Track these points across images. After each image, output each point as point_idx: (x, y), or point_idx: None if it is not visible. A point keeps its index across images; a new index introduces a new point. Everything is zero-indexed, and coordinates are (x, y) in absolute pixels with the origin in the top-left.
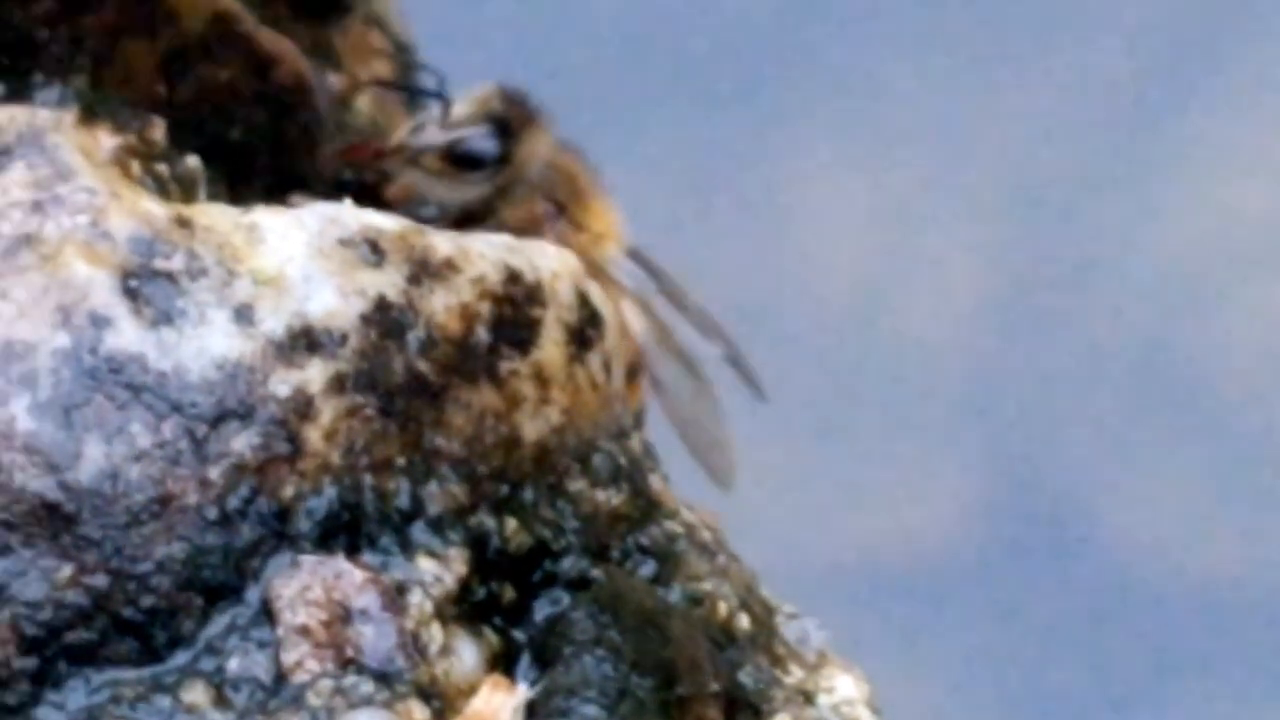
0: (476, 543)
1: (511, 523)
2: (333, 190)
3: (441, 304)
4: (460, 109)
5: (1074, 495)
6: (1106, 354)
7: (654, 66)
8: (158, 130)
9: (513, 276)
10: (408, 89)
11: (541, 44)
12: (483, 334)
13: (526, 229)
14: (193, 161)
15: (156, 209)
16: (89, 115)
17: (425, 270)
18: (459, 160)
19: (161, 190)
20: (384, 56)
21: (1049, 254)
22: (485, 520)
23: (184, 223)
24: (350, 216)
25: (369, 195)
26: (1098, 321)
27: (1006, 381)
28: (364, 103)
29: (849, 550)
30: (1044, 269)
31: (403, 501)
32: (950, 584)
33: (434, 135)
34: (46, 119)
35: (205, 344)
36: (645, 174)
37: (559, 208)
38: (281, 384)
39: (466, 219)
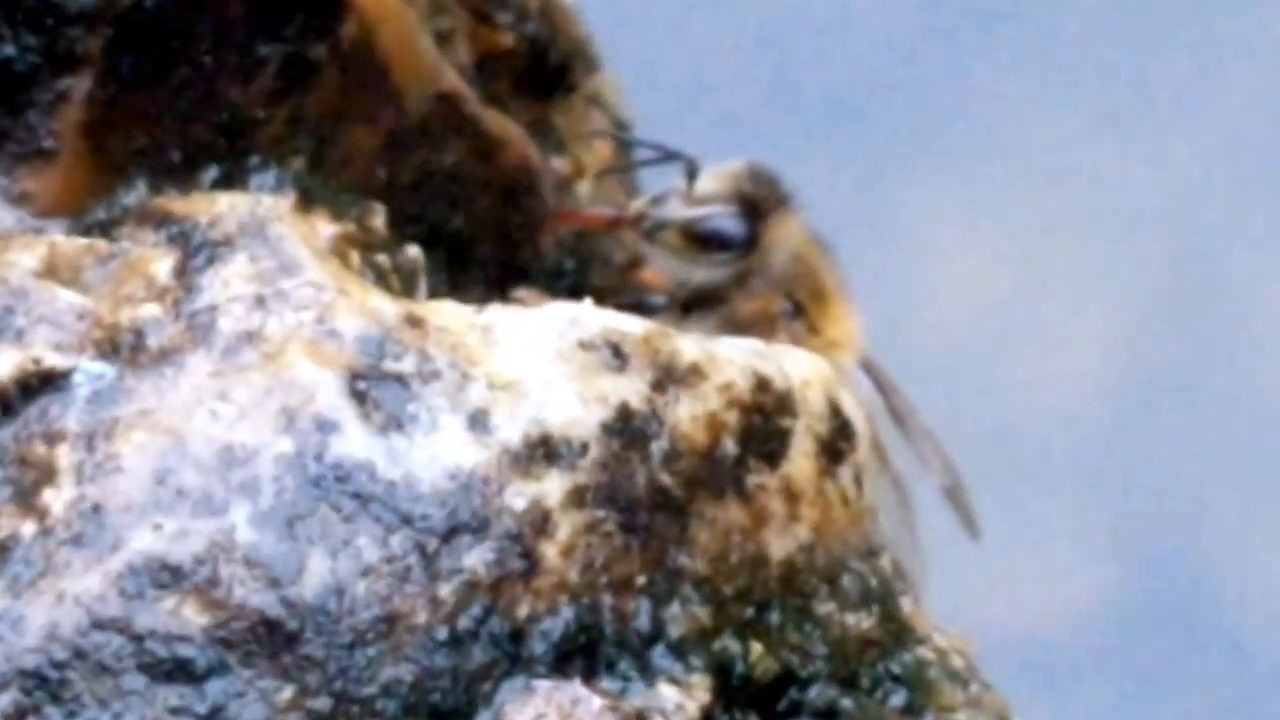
0: (720, 668)
1: (757, 647)
2: (552, 278)
3: (687, 413)
4: (707, 185)
5: (1209, 568)
6: (1244, 419)
7: (775, 108)
8: (378, 218)
9: (762, 384)
10: (652, 150)
11: (664, 86)
12: (730, 445)
13: (759, 325)
14: (413, 252)
15: (387, 306)
16: (307, 201)
17: (670, 376)
18: (701, 239)
19: (382, 282)
20: (605, 137)
21: (1185, 311)
22: (730, 644)
23: (416, 322)
24: (591, 317)
25: (585, 283)
26: (1234, 386)
27: (1138, 448)
28: (585, 188)
29: (977, 627)
30: (1179, 327)
31: (643, 623)
32: (1084, 660)
33: (677, 209)
34: (270, 208)
35: (438, 452)
36: None
37: (797, 307)
38: (518, 496)
39: (695, 303)
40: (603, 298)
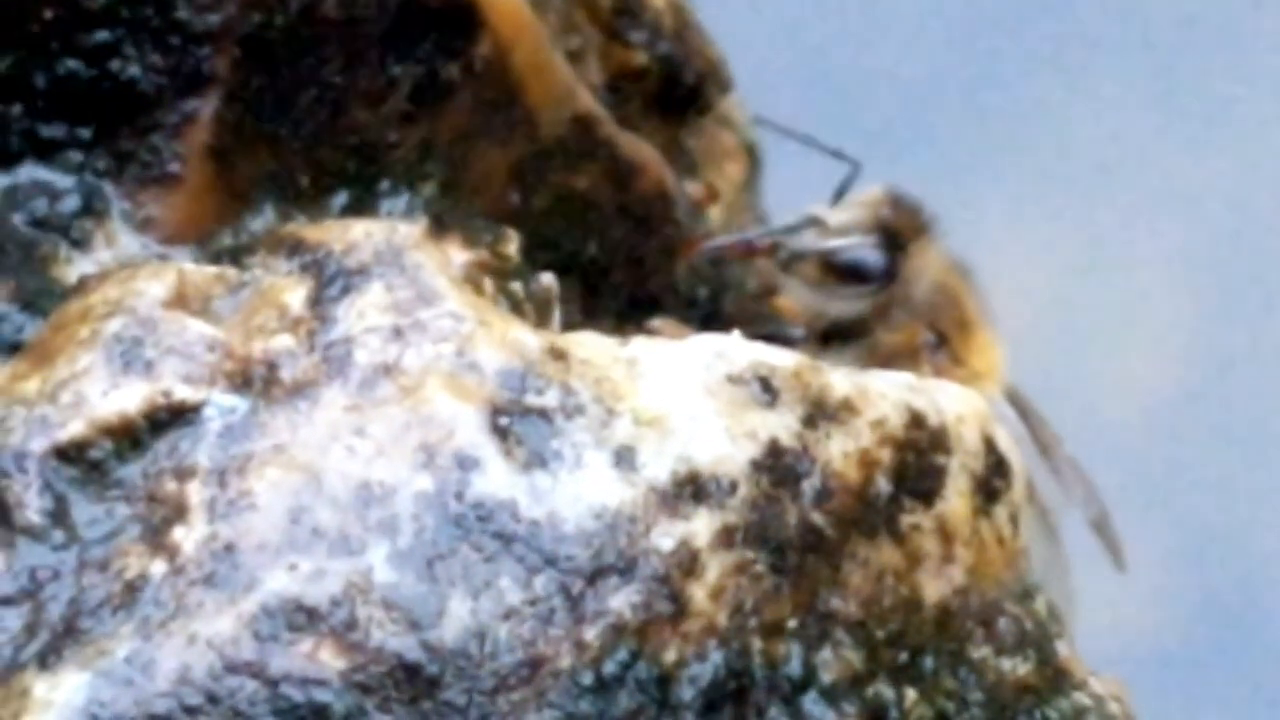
0: (874, 715)
1: (911, 693)
2: (686, 307)
3: (839, 449)
4: (844, 214)
5: (1270, 585)
6: None
7: (832, 118)
8: (511, 244)
9: (916, 419)
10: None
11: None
12: (883, 483)
13: (901, 357)
14: (547, 279)
15: (528, 338)
16: (439, 227)
17: (822, 412)
18: (841, 270)
19: (516, 311)
20: (736, 158)
21: (1250, 324)
22: (883, 690)
23: (559, 354)
24: (739, 350)
25: (719, 312)
26: None
27: (1201, 466)
28: (716, 213)
29: None
30: (1244, 339)
31: (794, 668)
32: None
33: (814, 239)
34: (407, 235)
35: (582, 490)
36: None
37: (940, 338)
38: (665, 536)
39: (834, 336)
40: (737, 327)
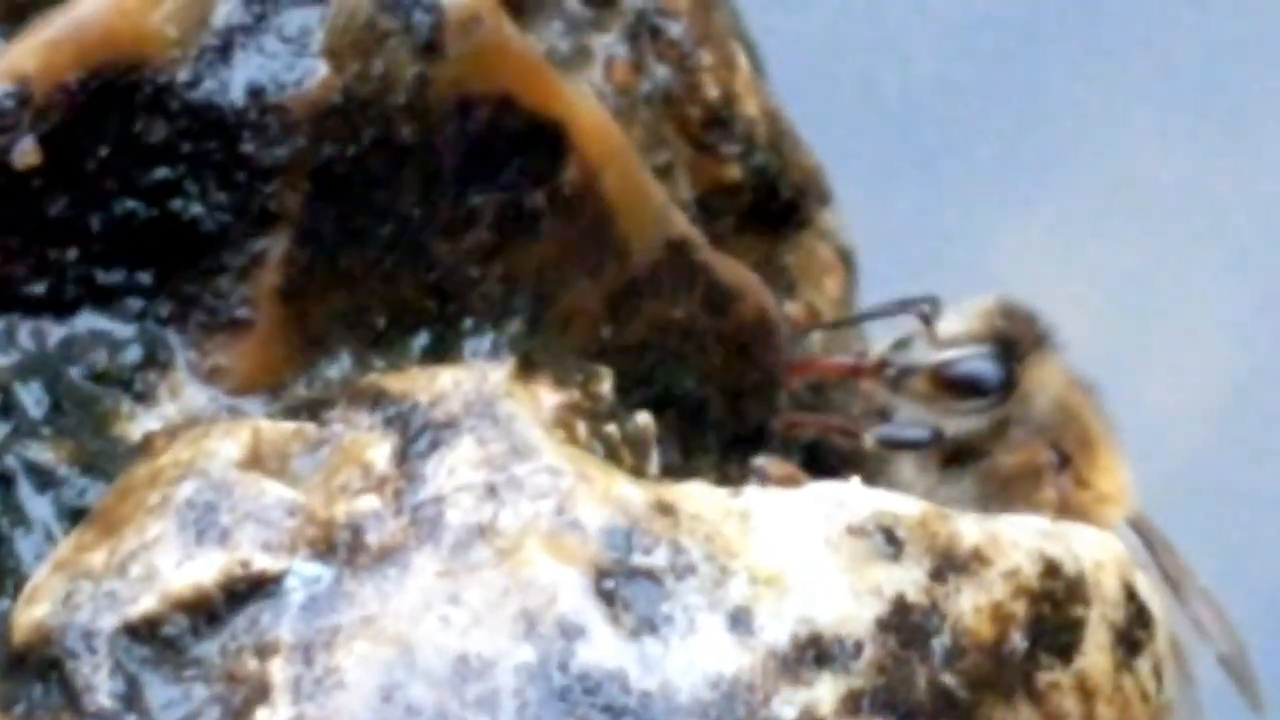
0: None
1: None
2: (789, 441)
3: (970, 604)
4: (954, 324)
5: None
6: None
7: (868, 135)
8: (605, 383)
9: (1051, 569)
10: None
11: None
12: (1018, 639)
13: (1021, 479)
14: (644, 419)
15: (633, 492)
16: (527, 367)
17: (950, 563)
18: (954, 385)
19: (612, 454)
20: (835, 272)
21: None
22: None
23: (666, 509)
24: (859, 499)
25: (825, 442)
26: None
27: (1248, 491)
28: (817, 333)
29: None
30: None
31: None
32: None
33: (923, 352)
34: (497, 384)
35: (696, 657)
36: (863, 245)
37: (1064, 458)
38: (787, 705)
39: (950, 459)
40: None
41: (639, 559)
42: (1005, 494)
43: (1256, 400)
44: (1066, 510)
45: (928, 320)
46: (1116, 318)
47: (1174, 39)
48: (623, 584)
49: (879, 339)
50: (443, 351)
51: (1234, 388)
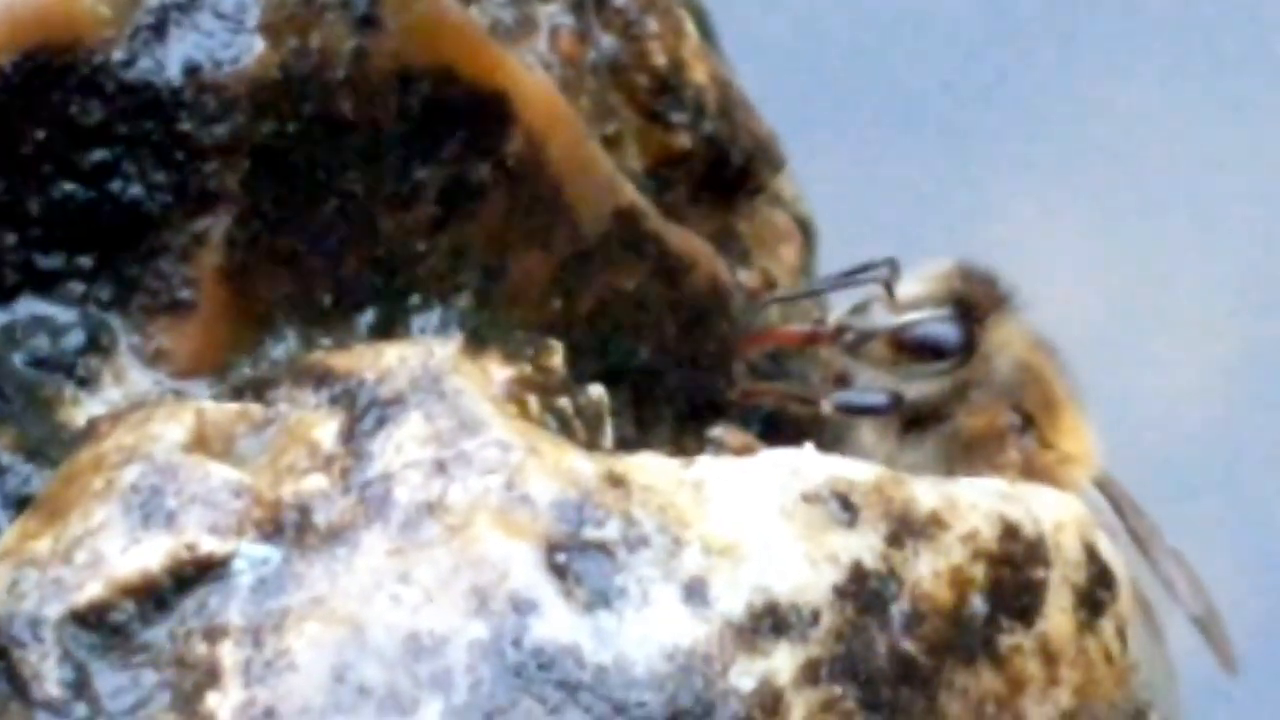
0: None
1: None
2: (747, 410)
3: (928, 569)
4: (913, 287)
5: None
6: None
7: (865, 111)
8: (556, 356)
9: (1009, 531)
10: (851, 274)
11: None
12: (978, 603)
13: (984, 442)
14: (596, 392)
15: (583, 465)
16: (475, 342)
17: (907, 528)
18: (913, 348)
19: (564, 428)
20: (790, 239)
21: None
22: None
23: (617, 481)
24: (813, 465)
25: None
26: None
27: (1248, 471)
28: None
29: None
30: None
31: None
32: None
33: (882, 317)
34: (444, 358)
35: (651, 630)
36: (851, 223)
37: (1026, 419)
38: (744, 676)
39: (911, 423)
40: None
41: (590, 532)
42: (968, 457)
43: (1244, 389)
44: (1030, 472)
45: (888, 285)
46: (1115, 299)
47: (1189, 31)
48: (575, 557)
49: (838, 305)
50: (390, 328)
51: (1220, 378)
